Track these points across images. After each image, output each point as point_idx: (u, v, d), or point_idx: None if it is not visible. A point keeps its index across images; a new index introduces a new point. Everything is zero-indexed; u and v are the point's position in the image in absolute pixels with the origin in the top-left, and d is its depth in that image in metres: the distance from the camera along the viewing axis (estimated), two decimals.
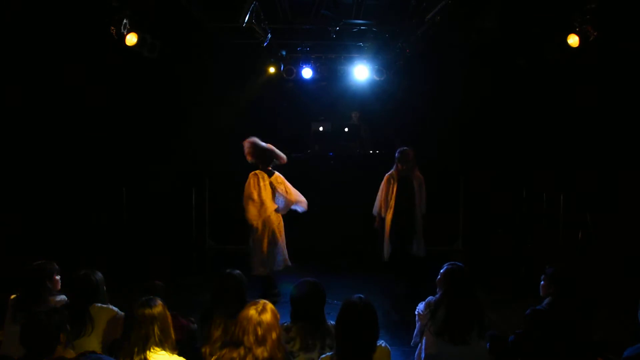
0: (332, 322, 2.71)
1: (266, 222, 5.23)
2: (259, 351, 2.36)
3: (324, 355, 2.52)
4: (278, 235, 5.30)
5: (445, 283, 3.15)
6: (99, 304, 3.10)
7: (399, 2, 6.29)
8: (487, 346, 3.13)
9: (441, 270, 3.21)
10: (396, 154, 5.73)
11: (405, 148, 5.71)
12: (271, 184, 5.24)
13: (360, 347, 2.42)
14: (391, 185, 5.73)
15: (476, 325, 3.03)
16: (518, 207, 7.79)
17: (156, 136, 7.90)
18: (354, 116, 8.93)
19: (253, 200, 5.18)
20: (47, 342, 2.42)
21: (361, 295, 2.56)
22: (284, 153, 5.37)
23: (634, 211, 6.23)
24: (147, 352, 2.44)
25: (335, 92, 9.01)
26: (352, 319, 2.46)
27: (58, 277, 3.41)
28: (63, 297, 3.33)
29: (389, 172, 5.82)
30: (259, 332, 2.39)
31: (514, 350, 3.20)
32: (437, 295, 3.18)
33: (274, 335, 2.44)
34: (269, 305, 2.49)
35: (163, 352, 2.49)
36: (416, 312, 3.29)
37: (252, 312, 2.43)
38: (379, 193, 5.87)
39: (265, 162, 5.29)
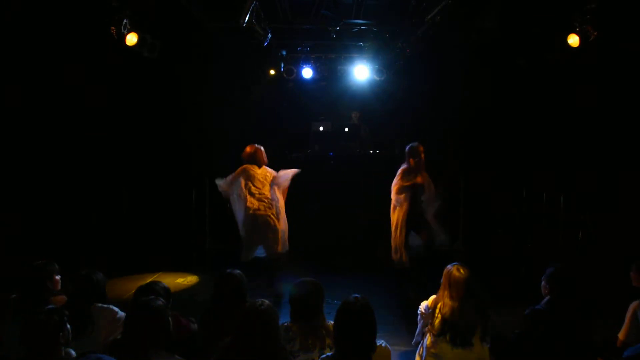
0: (332, 322, 2.71)
1: None
2: (259, 350, 2.36)
3: (324, 356, 2.52)
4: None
5: (449, 283, 3.15)
6: (100, 304, 3.11)
7: (399, 2, 6.29)
8: (488, 346, 3.13)
9: (444, 271, 3.21)
10: (406, 149, 5.41)
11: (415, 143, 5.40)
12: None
13: (359, 347, 2.42)
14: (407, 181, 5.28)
15: (479, 328, 3.03)
16: (518, 207, 7.79)
17: (156, 136, 7.90)
18: (354, 116, 8.93)
19: None
20: (47, 342, 2.42)
21: (358, 295, 2.56)
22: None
23: (634, 211, 6.23)
24: (148, 351, 2.44)
25: (335, 92, 9.01)
26: (350, 319, 2.46)
27: (58, 277, 3.41)
28: (63, 297, 3.33)
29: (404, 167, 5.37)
30: (259, 331, 2.39)
31: (514, 350, 3.20)
32: (440, 295, 3.17)
33: (273, 334, 2.44)
34: (269, 305, 2.50)
35: (163, 351, 2.49)
36: (419, 311, 3.29)
37: (252, 311, 2.43)
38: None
39: None
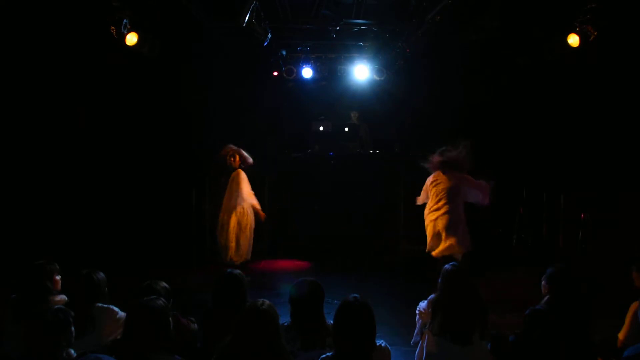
0: (332, 322, 2.70)
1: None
2: (259, 350, 2.37)
3: (324, 356, 2.52)
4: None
5: (446, 283, 3.14)
6: (101, 304, 3.11)
7: (399, 2, 6.29)
8: (488, 346, 3.13)
9: (443, 270, 3.20)
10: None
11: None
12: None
13: (359, 347, 2.41)
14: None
15: (478, 326, 3.02)
16: (518, 207, 7.78)
17: (156, 136, 7.89)
18: (354, 116, 8.93)
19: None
20: (51, 341, 2.43)
21: (357, 295, 2.56)
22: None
23: (634, 211, 6.22)
24: (148, 351, 2.44)
25: (335, 92, 9.01)
26: (349, 319, 2.45)
27: (58, 277, 3.41)
28: (63, 296, 3.33)
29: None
30: (259, 331, 2.39)
31: (514, 350, 3.20)
32: (439, 295, 3.17)
33: (274, 334, 2.44)
34: (269, 304, 2.50)
35: (163, 351, 2.49)
36: (417, 311, 3.28)
37: (252, 311, 2.43)
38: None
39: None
